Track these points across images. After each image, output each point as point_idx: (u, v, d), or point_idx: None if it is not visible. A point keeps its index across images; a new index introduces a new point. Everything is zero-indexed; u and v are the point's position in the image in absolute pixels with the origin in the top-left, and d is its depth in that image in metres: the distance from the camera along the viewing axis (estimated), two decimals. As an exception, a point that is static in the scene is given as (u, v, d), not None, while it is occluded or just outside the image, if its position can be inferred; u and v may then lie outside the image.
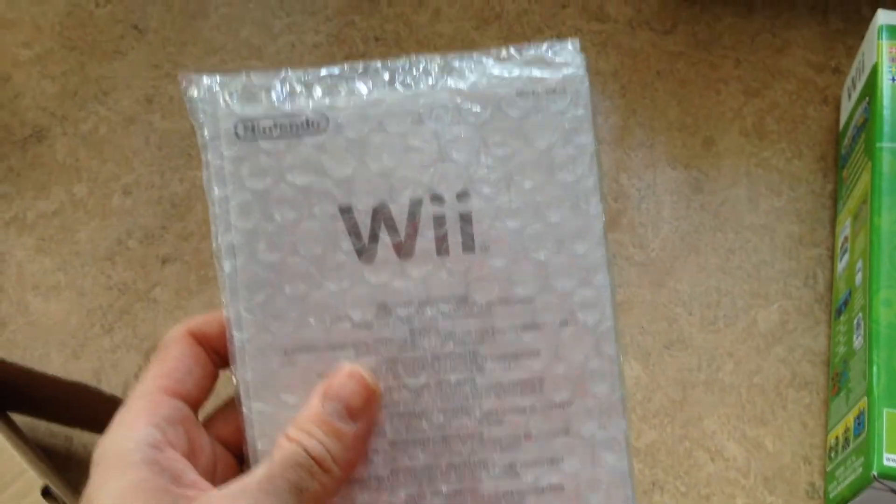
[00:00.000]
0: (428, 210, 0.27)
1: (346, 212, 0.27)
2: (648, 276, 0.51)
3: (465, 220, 0.27)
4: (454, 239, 0.27)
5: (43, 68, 0.58)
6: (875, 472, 0.38)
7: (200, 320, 0.27)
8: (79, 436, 0.47)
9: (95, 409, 0.43)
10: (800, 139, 0.55)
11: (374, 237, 0.27)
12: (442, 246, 0.27)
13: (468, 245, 0.27)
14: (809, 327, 0.49)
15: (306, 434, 0.25)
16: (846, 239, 0.48)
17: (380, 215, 0.27)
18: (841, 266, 0.48)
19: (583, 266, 0.27)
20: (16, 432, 0.43)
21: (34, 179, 0.55)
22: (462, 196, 0.27)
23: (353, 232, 0.27)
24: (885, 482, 0.38)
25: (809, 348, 0.48)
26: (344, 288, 0.27)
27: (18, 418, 0.46)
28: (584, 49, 0.28)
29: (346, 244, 0.27)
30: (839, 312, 0.47)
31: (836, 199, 0.52)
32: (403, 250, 0.27)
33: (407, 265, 0.27)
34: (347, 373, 0.26)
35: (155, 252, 0.53)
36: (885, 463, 0.38)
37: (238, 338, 0.27)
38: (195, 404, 0.27)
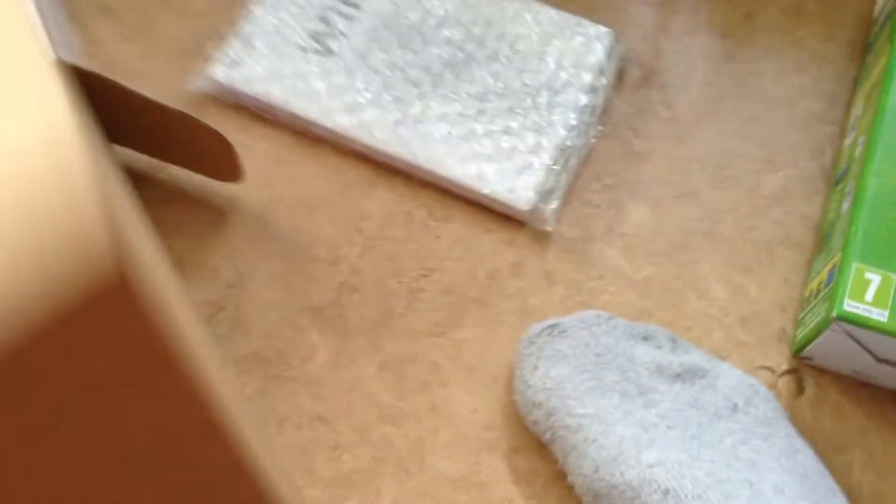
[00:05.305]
0: None
1: None
2: (671, 132, 0.56)
3: None
4: None
5: None
6: (835, 314, 0.44)
7: None
8: (165, 167, 0.54)
9: (189, 142, 0.49)
10: (835, 23, 0.58)
11: None
12: None
13: None
14: (809, 195, 0.54)
15: None
16: (856, 118, 0.52)
17: None
18: (847, 142, 0.52)
19: None
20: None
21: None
22: None
23: None
24: (842, 324, 0.44)
25: (805, 213, 0.53)
26: None
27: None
28: None
29: None
30: (836, 183, 0.51)
31: (857, 84, 0.56)
32: None
33: None
34: None
35: None
36: (845, 308, 0.44)
37: None
38: None
